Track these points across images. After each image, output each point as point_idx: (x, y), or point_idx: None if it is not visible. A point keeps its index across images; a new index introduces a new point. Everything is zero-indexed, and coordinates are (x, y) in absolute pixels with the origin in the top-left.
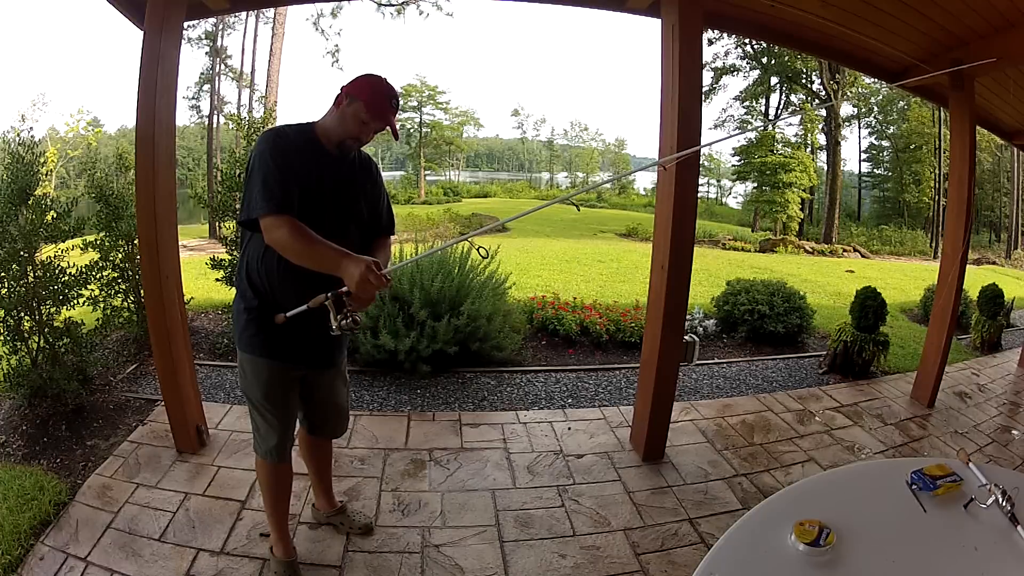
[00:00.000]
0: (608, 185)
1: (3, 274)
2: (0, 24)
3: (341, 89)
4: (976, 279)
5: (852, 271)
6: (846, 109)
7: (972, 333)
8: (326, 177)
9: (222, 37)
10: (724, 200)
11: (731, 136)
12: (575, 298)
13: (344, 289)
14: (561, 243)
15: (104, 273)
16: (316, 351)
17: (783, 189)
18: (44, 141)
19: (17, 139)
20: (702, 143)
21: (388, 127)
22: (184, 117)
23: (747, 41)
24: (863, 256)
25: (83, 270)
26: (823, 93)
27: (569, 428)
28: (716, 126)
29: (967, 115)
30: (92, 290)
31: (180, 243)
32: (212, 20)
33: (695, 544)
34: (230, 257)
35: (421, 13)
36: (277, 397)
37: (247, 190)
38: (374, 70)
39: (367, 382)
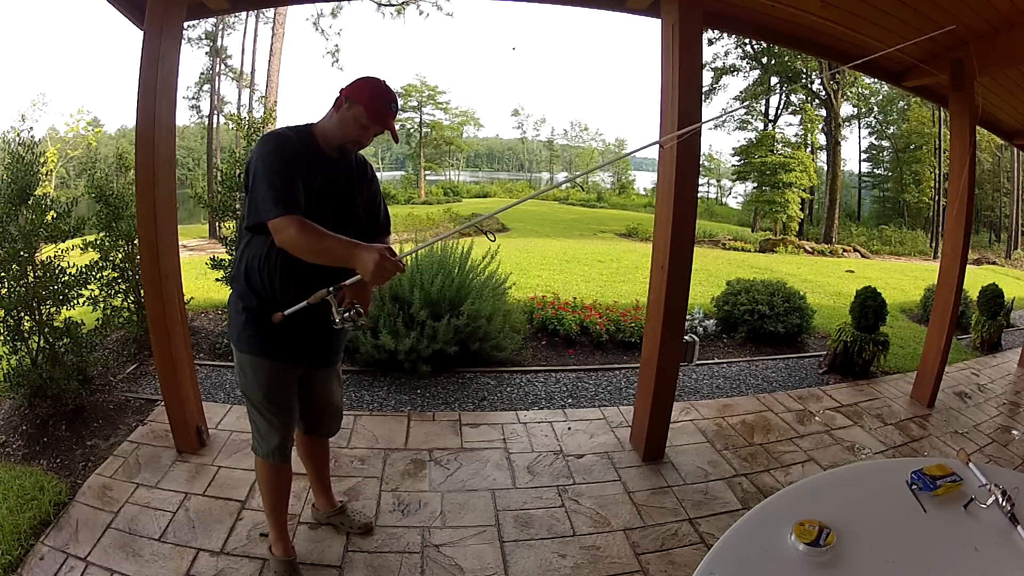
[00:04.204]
0: (604, 175)
1: (3, 274)
2: (0, 24)
3: (340, 92)
4: (976, 279)
5: (852, 271)
6: (846, 109)
7: (972, 333)
8: (325, 179)
9: (222, 37)
10: (724, 200)
11: (732, 111)
12: (575, 298)
13: (349, 281)
14: (561, 243)
15: (104, 273)
16: (315, 349)
17: (783, 189)
18: (44, 141)
19: (17, 139)
20: (701, 133)
21: (387, 130)
22: (184, 117)
23: (747, 41)
24: (863, 256)
25: (83, 270)
26: (823, 93)
27: (569, 428)
28: (716, 127)
29: (967, 115)
30: (92, 290)
31: (180, 243)
32: (212, 20)
33: (695, 544)
34: (230, 257)
35: (421, 13)
36: (278, 397)
37: (252, 194)
38: (374, 71)
39: (367, 382)
